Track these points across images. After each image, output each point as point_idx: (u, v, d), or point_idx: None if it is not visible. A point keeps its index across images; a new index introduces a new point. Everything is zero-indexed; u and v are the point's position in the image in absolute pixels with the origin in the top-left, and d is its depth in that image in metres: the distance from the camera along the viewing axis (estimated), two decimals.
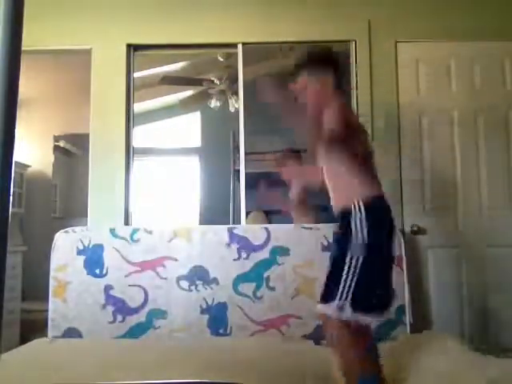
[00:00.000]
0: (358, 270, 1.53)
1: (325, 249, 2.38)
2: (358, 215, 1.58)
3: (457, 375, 1.51)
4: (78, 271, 2.35)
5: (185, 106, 3.33)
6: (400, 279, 2.35)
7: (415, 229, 2.61)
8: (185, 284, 2.33)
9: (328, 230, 2.42)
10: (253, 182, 2.69)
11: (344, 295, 1.53)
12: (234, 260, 2.36)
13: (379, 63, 2.72)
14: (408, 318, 2.31)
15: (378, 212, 1.63)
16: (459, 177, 2.67)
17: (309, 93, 1.81)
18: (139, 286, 2.32)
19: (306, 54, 1.92)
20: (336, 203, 1.73)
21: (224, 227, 2.47)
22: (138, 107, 2.80)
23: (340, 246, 1.63)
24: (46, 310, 2.34)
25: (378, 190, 1.70)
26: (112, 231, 2.42)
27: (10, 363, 1.76)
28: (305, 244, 2.39)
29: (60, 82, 4.22)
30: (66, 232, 2.43)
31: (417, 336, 2.16)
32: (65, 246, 2.38)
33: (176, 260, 2.36)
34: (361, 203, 1.59)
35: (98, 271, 2.35)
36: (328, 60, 1.86)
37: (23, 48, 0.54)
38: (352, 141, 1.65)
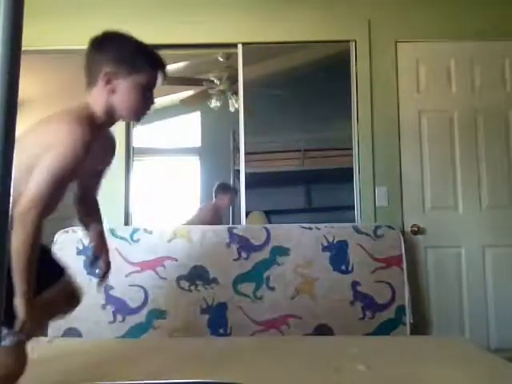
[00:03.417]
0: None
1: (325, 249, 2.38)
2: None
3: None
4: (78, 271, 2.34)
5: (185, 106, 3.33)
6: (400, 279, 2.36)
7: (415, 229, 2.61)
8: (185, 284, 2.33)
9: (328, 230, 2.43)
10: (253, 182, 2.69)
11: None
12: (234, 260, 2.36)
13: (379, 63, 2.72)
14: (408, 318, 2.32)
15: None
16: (459, 177, 2.67)
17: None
18: (139, 285, 2.32)
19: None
20: None
21: (224, 227, 2.48)
22: None
23: None
24: None
25: None
26: (112, 231, 2.42)
27: None
28: (305, 244, 2.39)
29: (60, 81, 4.22)
30: (66, 232, 2.43)
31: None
32: (65, 246, 2.38)
33: (176, 260, 2.36)
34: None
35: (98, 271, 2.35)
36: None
37: (23, 48, 0.54)
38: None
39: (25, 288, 1.07)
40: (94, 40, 1.26)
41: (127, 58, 1.23)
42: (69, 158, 1.09)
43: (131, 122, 2.75)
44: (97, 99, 1.23)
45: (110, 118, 1.27)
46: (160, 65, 1.27)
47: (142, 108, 1.28)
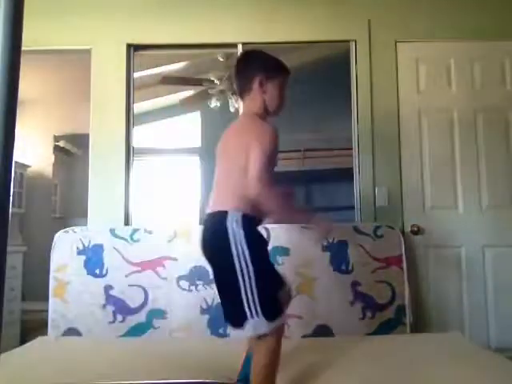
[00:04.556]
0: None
1: (325, 249, 2.38)
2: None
3: None
4: (78, 271, 2.35)
5: (185, 106, 3.33)
6: (400, 279, 2.36)
7: (415, 229, 2.61)
8: (185, 284, 2.33)
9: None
10: None
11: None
12: None
13: (379, 63, 2.72)
14: (408, 318, 2.32)
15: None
16: (459, 177, 2.67)
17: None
18: (139, 285, 2.32)
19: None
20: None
21: None
22: (138, 107, 2.80)
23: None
24: (46, 310, 2.34)
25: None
26: (112, 231, 2.42)
27: (14, 361, 1.76)
28: (305, 244, 2.39)
29: (60, 81, 4.22)
30: (66, 232, 2.43)
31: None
32: (65, 246, 2.38)
33: (176, 260, 2.36)
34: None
35: (97, 271, 2.35)
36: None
37: (23, 48, 0.54)
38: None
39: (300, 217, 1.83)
40: (245, 57, 1.81)
41: (270, 67, 1.68)
42: (270, 144, 1.55)
43: (131, 122, 2.76)
44: (256, 101, 1.67)
45: (266, 113, 1.68)
46: (288, 71, 1.73)
47: (283, 103, 1.71)
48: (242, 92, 1.71)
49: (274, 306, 1.50)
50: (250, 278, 1.45)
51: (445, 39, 2.75)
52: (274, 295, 1.51)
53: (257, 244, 1.54)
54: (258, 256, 1.50)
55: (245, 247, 1.47)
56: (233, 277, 1.46)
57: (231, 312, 1.55)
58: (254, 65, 1.71)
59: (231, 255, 1.47)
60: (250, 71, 1.68)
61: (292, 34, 2.73)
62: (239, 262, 1.46)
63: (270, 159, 1.54)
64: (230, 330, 2.25)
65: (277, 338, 1.49)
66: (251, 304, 1.45)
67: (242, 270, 1.46)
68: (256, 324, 1.44)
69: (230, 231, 1.48)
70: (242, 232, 1.48)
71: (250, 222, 1.53)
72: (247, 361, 1.60)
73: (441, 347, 1.94)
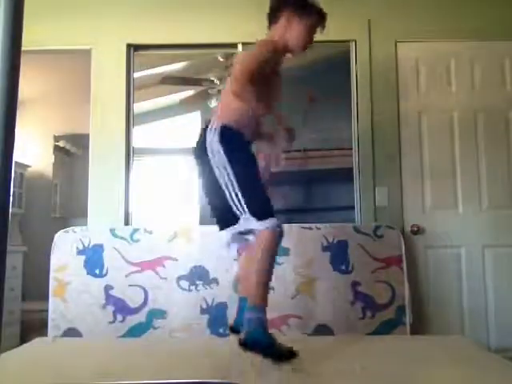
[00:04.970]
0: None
1: (325, 249, 2.38)
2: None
3: None
4: (78, 271, 2.35)
5: (185, 106, 3.33)
6: (400, 279, 2.36)
7: (415, 229, 2.61)
8: (185, 284, 2.33)
9: (328, 230, 2.43)
10: None
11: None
12: (234, 260, 2.35)
13: (379, 63, 2.72)
14: (408, 318, 2.32)
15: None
16: (459, 177, 2.67)
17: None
18: (139, 285, 2.32)
19: None
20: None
21: None
22: (138, 107, 2.80)
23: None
24: (46, 310, 2.34)
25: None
26: (112, 231, 2.42)
27: (12, 361, 1.76)
28: (305, 244, 2.39)
29: (60, 82, 4.22)
30: (66, 232, 2.43)
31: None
32: (65, 246, 2.39)
33: (176, 260, 2.36)
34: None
35: (97, 271, 2.35)
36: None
37: (23, 48, 0.54)
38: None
39: None
40: None
41: (303, 5, 1.74)
42: (259, 53, 1.65)
43: (131, 122, 2.76)
44: (277, 32, 1.76)
45: (284, 47, 1.76)
46: (323, 15, 1.77)
47: (306, 43, 1.78)
48: (269, 21, 1.83)
49: (262, 207, 1.61)
50: (233, 185, 1.59)
51: (445, 39, 2.75)
52: (261, 197, 1.63)
53: (239, 157, 1.63)
54: (241, 166, 1.61)
55: (225, 159, 1.59)
56: (218, 185, 1.61)
57: (223, 218, 1.72)
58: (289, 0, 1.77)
59: (212, 167, 1.63)
60: (283, 3, 1.77)
61: None
62: (220, 173, 1.61)
63: (259, 63, 1.59)
64: (228, 330, 2.26)
65: (272, 238, 1.58)
66: (238, 205, 1.59)
67: (224, 180, 1.60)
68: (246, 220, 1.59)
69: (207, 142, 1.67)
70: (219, 145, 1.62)
71: (234, 136, 1.64)
72: (242, 308, 1.66)
73: (443, 350, 1.93)
